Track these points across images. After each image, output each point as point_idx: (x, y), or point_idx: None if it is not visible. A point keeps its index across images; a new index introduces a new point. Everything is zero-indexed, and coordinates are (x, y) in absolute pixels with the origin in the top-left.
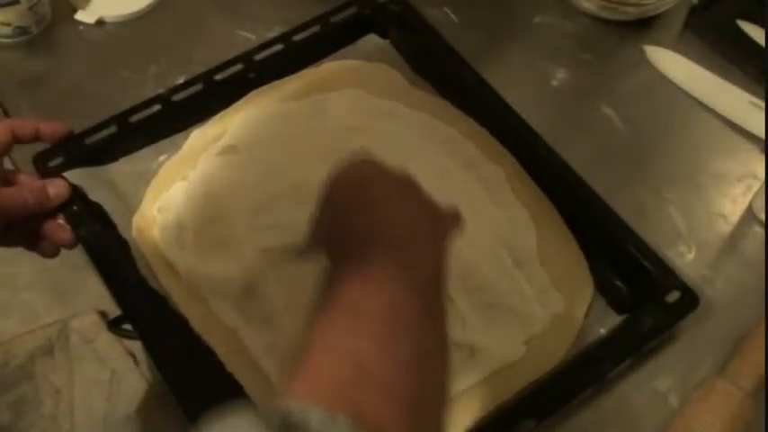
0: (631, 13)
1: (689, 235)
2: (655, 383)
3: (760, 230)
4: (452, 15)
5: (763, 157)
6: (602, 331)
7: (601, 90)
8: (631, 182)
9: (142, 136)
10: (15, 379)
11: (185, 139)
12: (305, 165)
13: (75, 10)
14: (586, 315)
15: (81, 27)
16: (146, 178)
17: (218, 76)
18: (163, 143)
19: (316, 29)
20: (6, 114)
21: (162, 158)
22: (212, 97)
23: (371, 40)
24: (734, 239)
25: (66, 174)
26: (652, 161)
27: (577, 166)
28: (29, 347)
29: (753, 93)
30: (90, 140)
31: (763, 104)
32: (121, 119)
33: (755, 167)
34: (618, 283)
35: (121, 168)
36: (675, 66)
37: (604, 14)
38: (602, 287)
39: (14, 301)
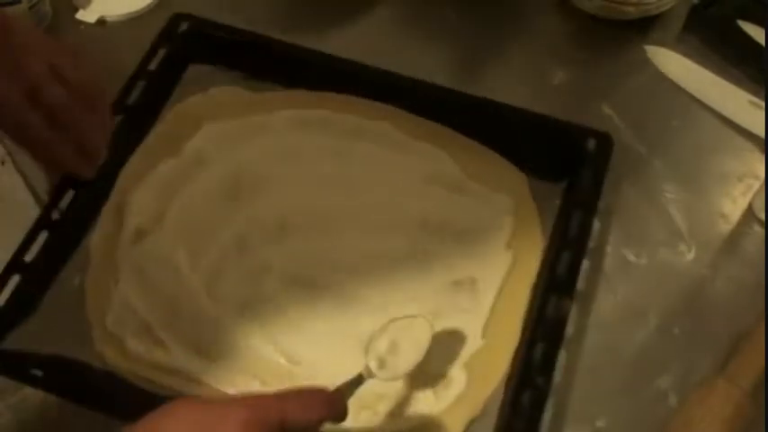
0: (631, 13)
1: (689, 235)
2: (654, 383)
3: (760, 230)
4: (452, 15)
5: (763, 157)
6: (558, 202)
7: (601, 90)
8: (631, 181)
9: (49, 267)
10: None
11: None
12: (210, 216)
13: (76, 9)
14: (535, 200)
15: (82, 27)
16: (77, 302)
17: None
18: (75, 259)
19: (142, 84)
20: None
21: (77, 281)
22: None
23: (197, 71)
24: (734, 239)
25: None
26: (652, 161)
27: None
28: None
29: (753, 93)
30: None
31: (763, 104)
32: (18, 262)
33: (756, 167)
34: (545, 163)
35: (51, 305)
36: (676, 66)
37: (604, 14)
38: (536, 176)
39: None
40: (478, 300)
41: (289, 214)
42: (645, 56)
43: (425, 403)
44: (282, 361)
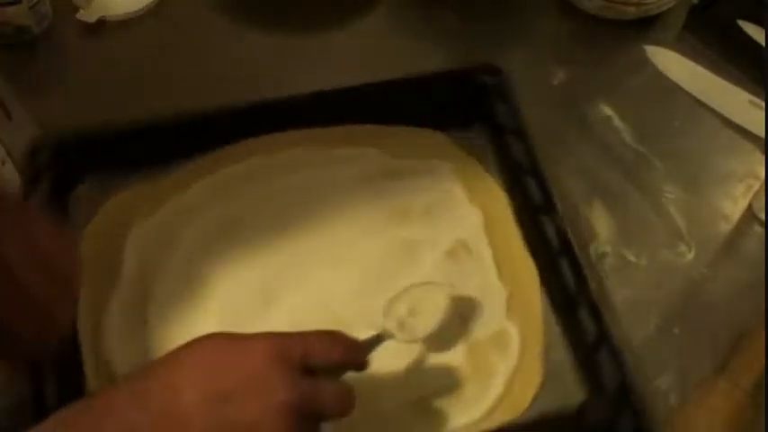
0: (631, 13)
1: (689, 235)
2: (655, 383)
3: (760, 230)
4: (453, 16)
5: (763, 157)
6: (488, 145)
7: (601, 90)
8: (632, 182)
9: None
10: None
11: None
12: (188, 327)
13: (76, 9)
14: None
15: (82, 26)
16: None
17: None
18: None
19: None
20: (7, 116)
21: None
22: None
23: (89, 183)
24: (734, 239)
25: None
26: (652, 161)
27: (577, 166)
28: None
29: (753, 93)
30: None
31: (763, 104)
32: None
33: (756, 167)
34: (457, 115)
35: None
36: (675, 66)
37: (604, 14)
38: (456, 130)
39: None
40: (478, 257)
41: (264, 282)
42: (645, 56)
43: (499, 371)
44: None
